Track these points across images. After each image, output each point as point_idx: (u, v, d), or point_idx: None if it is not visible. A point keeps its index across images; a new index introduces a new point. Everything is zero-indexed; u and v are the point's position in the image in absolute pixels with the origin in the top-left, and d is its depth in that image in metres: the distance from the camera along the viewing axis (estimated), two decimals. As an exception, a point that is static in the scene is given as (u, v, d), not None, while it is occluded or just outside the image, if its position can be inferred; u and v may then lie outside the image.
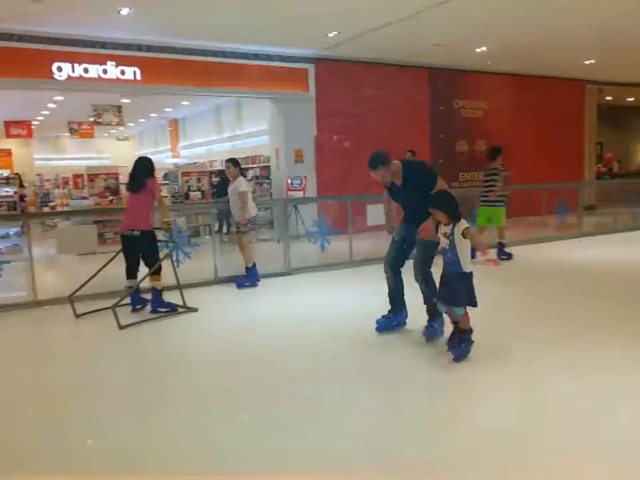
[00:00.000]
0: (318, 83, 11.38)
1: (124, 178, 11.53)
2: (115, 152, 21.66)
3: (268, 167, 12.65)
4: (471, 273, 3.91)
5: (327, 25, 9.14)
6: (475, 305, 3.90)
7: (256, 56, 10.61)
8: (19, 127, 16.07)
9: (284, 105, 11.31)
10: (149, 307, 5.58)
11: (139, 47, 9.58)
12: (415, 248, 4.44)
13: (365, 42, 10.10)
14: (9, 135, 15.99)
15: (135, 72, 9.61)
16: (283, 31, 9.45)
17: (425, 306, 4.43)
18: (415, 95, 12.50)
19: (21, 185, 11.78)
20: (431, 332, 4.34)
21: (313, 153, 11.50)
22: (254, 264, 6.68)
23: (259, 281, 6.68)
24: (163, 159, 18.40)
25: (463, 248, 3.87)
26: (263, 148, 13.07)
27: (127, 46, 9.48)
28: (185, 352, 4.46)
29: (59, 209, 13.26)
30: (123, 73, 9.52)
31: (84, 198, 11.00)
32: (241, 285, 6.55)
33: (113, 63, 9.39)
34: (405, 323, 4.66)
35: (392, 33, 9.48)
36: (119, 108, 12.81)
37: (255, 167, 13.41)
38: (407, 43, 10.43)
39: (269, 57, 10.74)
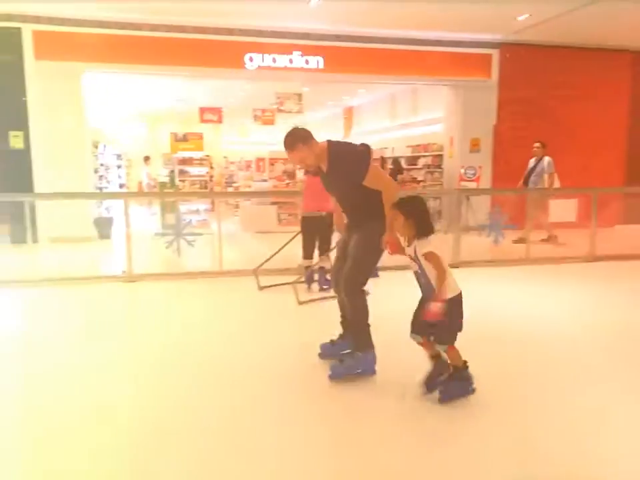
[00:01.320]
0: (502, 69, 10.81)
1: (300, 163, 12.14)
2: (292, 138, 22.80)
3: (440, 156, 12.39)
4: (454, 299, 3.04)
5: (517, 7, 8.63)
6: (457, 330, 3.12)
7: (438, 42, 10.38)
8: (211, 113, 17.60)
9: (463, 92, 10.94)
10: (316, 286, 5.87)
11: (323, 37, 9.93)
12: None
13: (558, 24, 9.32)
14: (202, 120, 17.64)
15: (318, 61, 10.00)
16: (470, 17, 9.12)
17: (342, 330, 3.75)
18: (613, 82, 11.27)
19: (211, 167, 12.97)
20: (336, 371, 3.48)
21: (490, 142, 11.01)
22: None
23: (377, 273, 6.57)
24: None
25: (433, 271, 3.02)
26: (436, 136, 12.82)
27: (312, 36, 9.89)
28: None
29: (241, 189, 14.37)
30: (307, 62, 9.96)
31: (264, 180, 11.79)
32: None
33: (299, 52, 9.87)
34: None
35: (593, 13, 8.62)
36: (299, 96, 13.42)
37: (427, 155, 13.21)
38: (610, 24, 9.42)
39: (450, 43, 10.44)
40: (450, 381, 3.19)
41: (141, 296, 6.14)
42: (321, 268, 5.83)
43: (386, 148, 15.25)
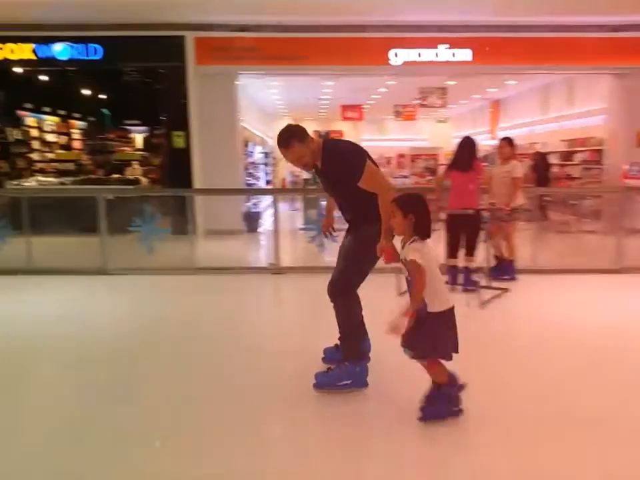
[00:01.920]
0: (679, 54, 9.61)
1: (442, 159, 11.86)
2: (433, 134, 22.39)
3: (599, 151, 11.34)
4: (440, 314, 2.76)
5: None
6: (443, 357, 2.82)
7: (597, 27, 9.49)
8: (352, 111, 17.84)
9: (630, 81, 9.90)
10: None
11: (471, 28, 9.55)
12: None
13: None
14: (344, 118, 17.92)
15: (466, 53, 9.65)
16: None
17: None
18: None
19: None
20: (321, 380, 3.30)
21: (662, 136, 9.86)
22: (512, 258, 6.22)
23: (515, 276, 6.14)
24: (480, 141, 18.21)
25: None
26: (594, 129, 11.76)
27: (459, 27, 9.55)
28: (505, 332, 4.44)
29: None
30: (454, 55, 9.66)
31: (405, 177, 11.69)
32: (496, 277, 5.90)
33: (446, 45, 9.60)
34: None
35: None
36: (443, 90, 13.10)
37: (584, 150, 12.17)
38: None
39: (611, 28, 9.48)
40: (431, 400, 2.91)
41: (286, 286, 6.41)
42: (466, 268, 5.63)
43: (536, 143, 14.32)
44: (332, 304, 3.39)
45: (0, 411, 3.22)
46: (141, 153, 12.88)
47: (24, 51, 9.31)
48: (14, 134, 12.24)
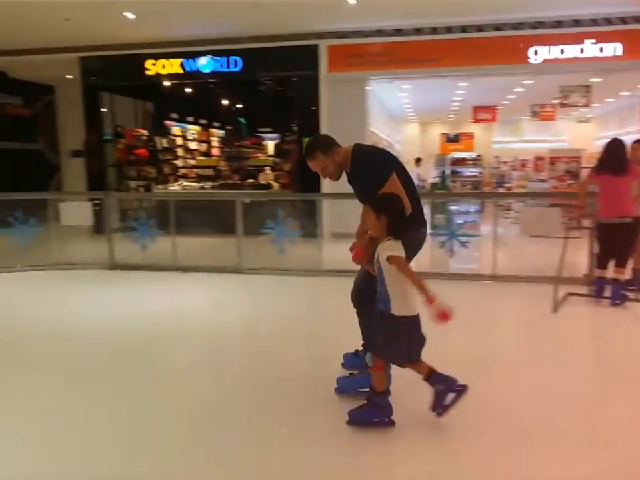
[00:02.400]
0: None
1: (585, 162, 11.00)
2: (573, 134, 20.86)
3: None
4: (408, 319, 2.74)
5: None
6: (393, 361, 2.87)
7: None
8: (485, 112, 17.16)
9: None
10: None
11: (620, 20, 8.78)
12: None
13: None
14: (475, 120, 17.32)
15: (615, 47, 8.88)
16: None
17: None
18: None
19: (483, 167, 12.63)
20: (343, 385, 3.26)
21: None
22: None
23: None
24: (628, 142, 16.67)
25: (392, 279, 2.74)
26: None
27: (608, 21, 8.82)
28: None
29: (514, 190, 13.68)
30: (601, 50, 8.94)
31: (542, 180, 11.01)
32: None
33: (592, 40, 8.91)
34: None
35: None
36: (587, 88, 12.14)
37: None
38: None
39: None
40: (365, 404, 2.91)
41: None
42: (615, 280, 5.16)
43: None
44: (355, 310, 3.38)
45: (160, 389, 3.54)
46: (273, 159, 13.45)
47: (173, 66, 10.17)
48: (162, 142, 13.37)
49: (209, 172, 13.36)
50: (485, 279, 6.46)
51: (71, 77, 11.66)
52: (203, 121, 15.47)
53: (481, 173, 11.28)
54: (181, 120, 14.47)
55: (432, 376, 2.86)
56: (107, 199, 7.69)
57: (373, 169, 3.16)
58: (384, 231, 2.80)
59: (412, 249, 3.10)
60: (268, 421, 3.08)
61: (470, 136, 21.18)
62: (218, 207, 8.47)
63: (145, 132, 12.69)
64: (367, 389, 3.03)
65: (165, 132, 13.77)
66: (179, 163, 14.05)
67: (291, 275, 6.87)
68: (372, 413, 2.91)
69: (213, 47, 9.95)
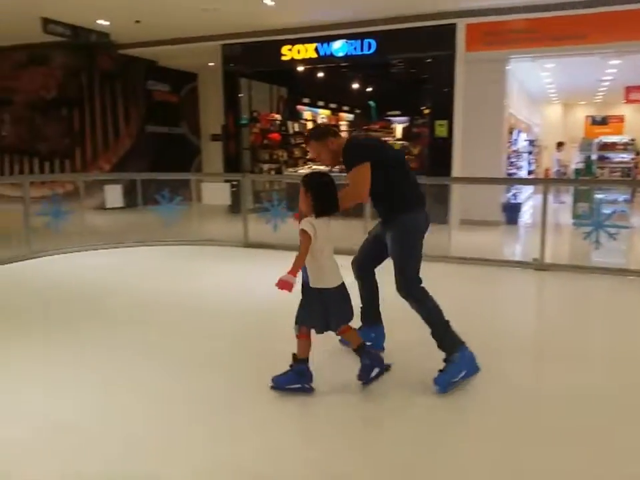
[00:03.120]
0: None
1: None
2: None
3: None
4: (320, 290, 3.00)
5: None
6: (317, 330, 3.08)
7: None
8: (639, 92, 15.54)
9: None
10: None
11: None
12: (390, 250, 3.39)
13: None
14: (628, 101, 15.78)
15: None
16: None
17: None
18: None
19: (637, 153, 11.47)
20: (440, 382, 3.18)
21: None
22: None
23: None
24: None
25: (310, 254, 3.00)
26: None
27: None
28: None
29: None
30: None
31: None
32: None
33: None
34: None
35: None
36: None
37: None
38: None
39: None
40: (288, 371, 3.13)
41: (553, 284, 5.94)
42: None
43: None
44: (407, 301, 3.32)
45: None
46: (401, 142, 13.25)
47: (308, 51, 10.36)
48: (294, 126, 13.74)
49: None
50: (632, 274, 5.88)
51: (212, 64, 12.34)
52: (333, 105, 15.64)
53: (633, 158, 10.21)
54: (312, 104, 14.75)
55: (361, 350, 3.16)
56: (243, 181, 8.05)
57: (347, 157, 3.36)
58: (309, 207, 3.01)
59: (407, 232, 3.32)
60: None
61: (620, 118, 19.32)
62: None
63: (278, 116, 13.12)
64: (463, 372, 3.21)
65: (297, 116, 14.12)
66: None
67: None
68: (294, 378, 3.13)
69: (347, 30, 9.97)
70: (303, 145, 14.05)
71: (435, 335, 3.26)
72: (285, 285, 2.86)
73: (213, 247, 7.82)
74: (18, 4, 8.75)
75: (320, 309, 3.04)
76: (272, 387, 3.14)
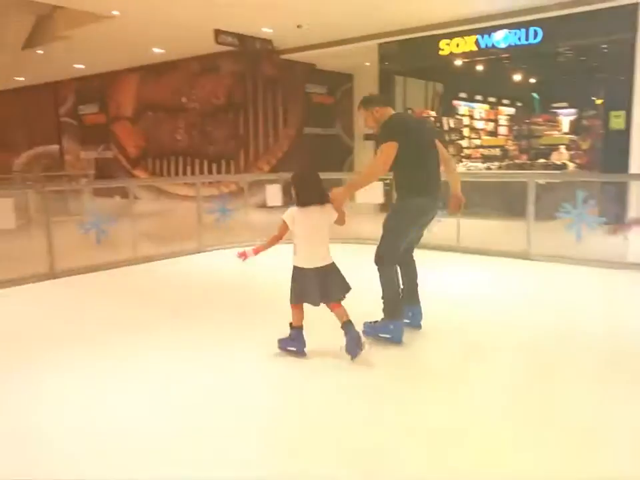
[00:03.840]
0: None
1: None
2: None
3: None
4: (297, 268, 3.59)
5: None
6: (292, 300, 3.65)
7: None
8: None
9: None
10: None
11: None
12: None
13: None
14: None
15: None
16: None
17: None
18: None
19: None
20: (367, 329, 3.98)
21: None
22: None
23: None
24: None
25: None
26: None
27: None
28: None
29: None
30: None
31: None
32: None
33: None
34: None
35: None
36: None
37: None
38: None
39: None
40: (288, 336, 3.68)
41: None
42: None
43: None
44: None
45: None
46: (569, 136, 12.24)
47: (467, 43, 10.00)
48: (449, 122, 13.37)
49: (495, 152, 12.88)
50: None
51: (368, 63, 12.47)
52: (492, 99, 14.93)
53: None
54: (469, 99, 14.23)
55: (346, 326, 3.55)
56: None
57: (380, 134, 3.77)
58: (294, 199, 3.57)
59: (409, 213, 3.78)
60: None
61: None
62: (505, 189, 8.11)
63: (433, 113, 12.86)
64: (387, 336, 3.84)
65: (453, 112, 13.72)
66: (463, 143, 13.89)
67: (585, 265, 6.17)
68: (290, 342, 3.69)
69: (511, 19, 9.44)
70: (458, 142, 13.65)
71: (383, 298, 3.87)
72: (242, 254, 3.65)
73: (359, 244, 7.86)
74: (194, 19, 9.61)
75: (294, 284, 3.62)
76: (279, 347, 3.72)
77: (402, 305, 3.92)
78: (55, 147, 17.86)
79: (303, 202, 3.53)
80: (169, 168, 14.72)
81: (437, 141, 3.98)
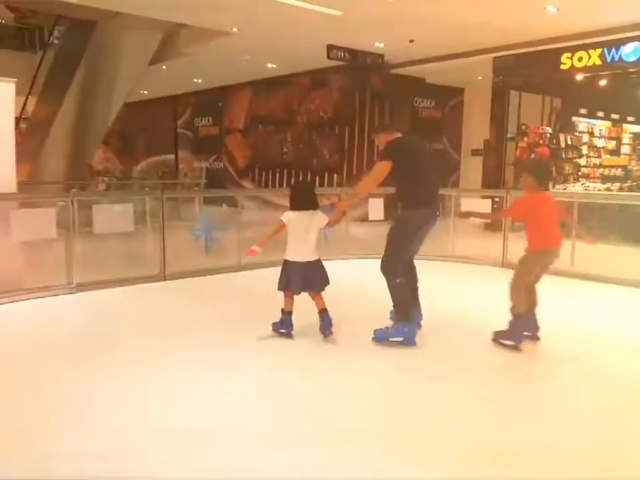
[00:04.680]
0: None
1: None
2: None
3: None
4: (286, 261, 4.30)
5: None
6: (280, 288, 4.34)
7: None
8: None
9: None
10: None
11: None
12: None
13: None
14: None
15: None
16: None
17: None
18: None
19: None
20: (378, 334, 4.29)
21: None
22: None
23: None
24: None
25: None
26: None
27: None
28: None
29: None
30: None
31: None
32: None
33: None
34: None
35: None
36: None
37: None
38: None
39: None
40: (279, 320, 4.40)
41: None
42: None
43: None
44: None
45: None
46: None
47: (591, 57, 9.37)
48: (566, 140, 12.60)
49: (616, 172, 11.97)
50: None
51: (480, 77, 12.08)
52: (615, 116, 13.90)
53: None
54: (590, 115, 13.35)
55: (322, 312, 4.30)
56: (507, 197, 7.65)
57: (380, 154, 4.33)
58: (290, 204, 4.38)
59: (412, 226, 4.22)
60: None
61: None
62: (627, 212, 7.51)
63: (549, 129, 12.19)
64: (399, 339, 4.18)
65: (571, 129, 12.93)
66: (581, 161, 13.03)
67: None
68: (280, 325, 4.38)
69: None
70: (576, 160, 12.86)
71: (394, 306, 4.28)
72: (250, 251, 4.33)
73: (467, 264, 7.59)
74: (308, 35, 9.82)
75: (282, 274, 4.30)
76: (272, 330, 4.41)
77: (412, 309, 4.29)
78: (171, 157, 18.99)
79: (295, 207, 4.33)
80: (274, 179, 15.12)
81: None
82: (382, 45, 10.74)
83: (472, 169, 13.94)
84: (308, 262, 4.23)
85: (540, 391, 3.58)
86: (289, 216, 4.29)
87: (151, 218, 8.46)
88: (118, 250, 7.60)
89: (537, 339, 4.29)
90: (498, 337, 4.20)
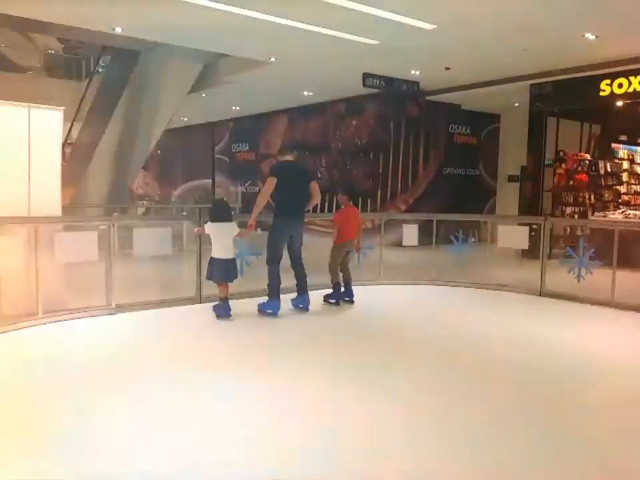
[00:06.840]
0: None
1: None
2: None
3: None
4: (212, 258, 5.78)
5: None
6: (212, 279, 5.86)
7: None
8: None
9: None
10: None
11: None
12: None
13: None
14: None
15: None
16: None
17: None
18: None
19: None
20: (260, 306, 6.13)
21: None
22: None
23: None
24: None
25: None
26: None
27: None
28: None
29: None
30: None
31: None
32: None
33: None
34: None
35: None
36: None
37: None
38: None
39: None
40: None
41: None
42: None
43: None
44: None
45: None
46: None
47: (632, 84, 9.23)
48: (605, 167, 12.36)
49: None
50: None
51: (517, 104, 12.01)
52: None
53: None
54: (630, 142, 13.08)
55: (223, 299, 5.88)
56: (545, 224, 7.52)
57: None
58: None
59: (280, 232, 5.99)
60: None
61: None
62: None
63: (587, 156, 12.00)
64: (270, 310, 5.98)
65: (611, 155, 12.69)
66: (621, 189, 12.74)
67: None
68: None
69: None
70: (616, 187, 12.58)
71: (267, 285, 6.00)
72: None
73: (504, 292, 7.47)
74: (345, 63, 9.97)
75: (208, 267, 5.78)
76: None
77: (279, 289, 5.94)
78: (208, 181, 19.38)
79: (213, 219, 5.83)
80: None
81: (312, 182, 6.13)
82: (417, 73, 10.81)
83: (508, 196, 13.80)
84: (226, 259, 5.73)
85: None
86: (211, 225, 5.81)
87: (187, 241, 8.61)
88: (156, 272, 7.75)
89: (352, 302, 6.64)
90: (327, 298, 6.63)
